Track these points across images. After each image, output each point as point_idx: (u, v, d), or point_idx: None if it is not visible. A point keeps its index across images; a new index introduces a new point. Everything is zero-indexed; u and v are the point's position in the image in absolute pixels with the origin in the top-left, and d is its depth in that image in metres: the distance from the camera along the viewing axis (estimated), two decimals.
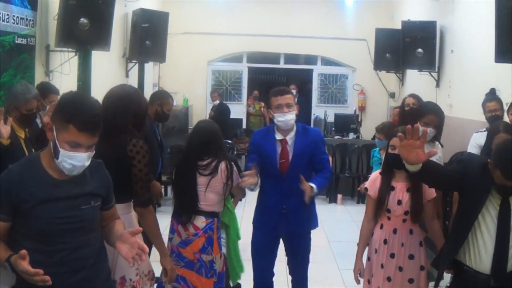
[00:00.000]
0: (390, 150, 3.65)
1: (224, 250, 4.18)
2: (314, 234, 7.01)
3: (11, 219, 2.37)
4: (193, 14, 11.44)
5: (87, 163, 2.41)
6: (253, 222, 4.23)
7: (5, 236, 2.39)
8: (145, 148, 3.12)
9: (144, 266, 3.22)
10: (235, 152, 10.50)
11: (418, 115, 4.62)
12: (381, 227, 3.67)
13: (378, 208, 3.64)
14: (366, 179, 6.39)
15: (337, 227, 7.77)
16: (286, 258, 4.30)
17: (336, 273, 5.89)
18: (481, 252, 3.03)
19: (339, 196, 9.27)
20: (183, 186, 3.95)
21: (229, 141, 9.78)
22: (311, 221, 4.24)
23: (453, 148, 5.28)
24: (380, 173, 3.72)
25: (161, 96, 5.45)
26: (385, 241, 3.62)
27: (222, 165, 3.91)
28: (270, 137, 3.99)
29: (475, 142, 4.66)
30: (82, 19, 5.67)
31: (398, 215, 3.57)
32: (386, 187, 3.59)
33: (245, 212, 7.09)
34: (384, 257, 3.61)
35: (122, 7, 8.47)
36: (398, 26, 8.77)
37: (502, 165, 2.87)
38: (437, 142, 4.63)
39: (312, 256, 6.11)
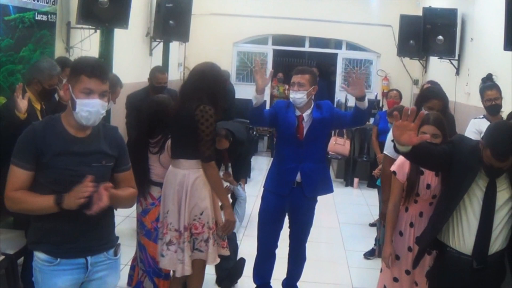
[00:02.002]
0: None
1: None
2: (326, 216, 7.21)
3: (35, 169, 2.62)
4: None
5: (102, 111, 2.64)
6: (265, 185, 4.39)
7: (29, 185, 2.63)
8: (210, 113, 3.55)
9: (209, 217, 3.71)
10: (255, 133, 10.56)
11: (422, 100, 4.68)
12: (406, 210, 3.64)
13: (409, 193, 3.58)
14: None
15: (349, 210, 7.87)
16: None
17: (342, 254, 5.97)
18: (465, 234, 3.08)
19: (356, 180, 9.35)
20: (135, 160, 3.73)
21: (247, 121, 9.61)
22: (325, 186, 4.39)
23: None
24: None
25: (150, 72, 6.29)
26: (411, 224, 3.61)
27: (169, 142, 3.96)
28: (290, 109, 4.22)
29: (475, 128, 4.68)
30: None
31: (426, 199, 3.55)
32: (416, 172, 3.52)
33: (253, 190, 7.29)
34: (411, 240, 3.60)
35: None
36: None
37: (493, 144, 2.93)
38: None
39: (320, 237, 6.24)
